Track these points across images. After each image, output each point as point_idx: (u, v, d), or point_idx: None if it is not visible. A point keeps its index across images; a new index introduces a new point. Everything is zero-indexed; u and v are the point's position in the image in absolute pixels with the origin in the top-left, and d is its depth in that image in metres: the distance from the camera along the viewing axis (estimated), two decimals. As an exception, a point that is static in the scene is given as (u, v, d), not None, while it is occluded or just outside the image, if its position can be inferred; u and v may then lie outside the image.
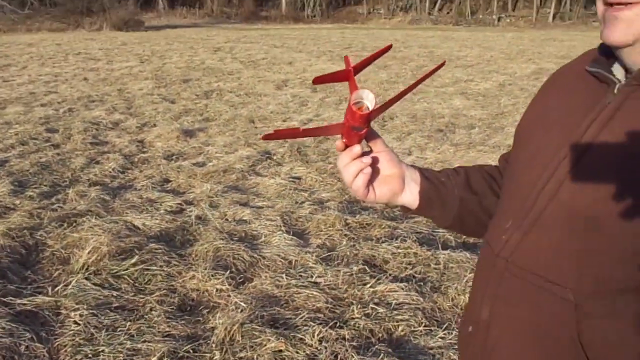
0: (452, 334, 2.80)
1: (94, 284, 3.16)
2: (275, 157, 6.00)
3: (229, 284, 3.17)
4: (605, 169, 0.78)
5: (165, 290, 3.15)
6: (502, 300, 0.90)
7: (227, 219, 4.14)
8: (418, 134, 7.23)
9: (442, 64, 0.96)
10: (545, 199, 0.84)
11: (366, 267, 3.38)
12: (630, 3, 0.76)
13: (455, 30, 44.04)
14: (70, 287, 3.12)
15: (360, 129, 0.90)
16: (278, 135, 0.94)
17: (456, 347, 2.69)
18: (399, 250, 3.62)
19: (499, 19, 60.47)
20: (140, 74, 12.41)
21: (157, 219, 4.05)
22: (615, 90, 0.82)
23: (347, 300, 3.08)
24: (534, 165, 0.89)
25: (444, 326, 2.86)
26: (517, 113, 8.53)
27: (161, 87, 10.71)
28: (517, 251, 0.87)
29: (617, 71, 0.84)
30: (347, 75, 0.90)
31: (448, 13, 62.21)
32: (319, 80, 0.85)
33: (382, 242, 3.74)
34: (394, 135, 7.16)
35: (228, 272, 3.29)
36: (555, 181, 0.83)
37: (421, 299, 3.08)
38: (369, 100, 0.87)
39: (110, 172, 5.37)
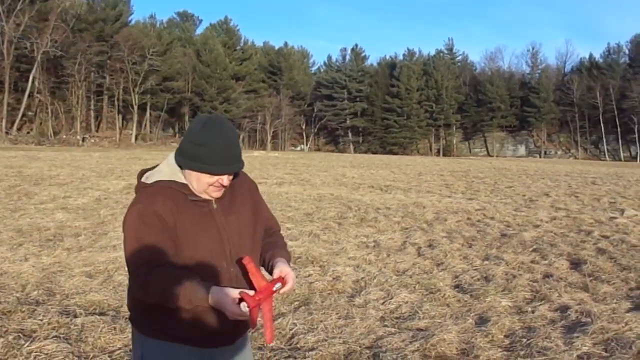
0: (97, 361, 4.05)
1: None
2: None
3: None
4: (235, 226, 2.27)
5: None
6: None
7: None
8: (30, 244, 8.01)
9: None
10: (232, 243, 2.24)
11: (20, 335, 4.34)
12: (223, 187, 2.26)
13: (40, 150, 43.47)
14: None
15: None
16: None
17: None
18: (44, 322, 4.66)
19: (83, 139, 62.15)
20: None
21: None
22: (214, 203, 2.28)
23: (9, 358, 4.00)
24: (215, 242, 2.22)
25: (90, 358, 4.10)
26: (116, 221, 10.03)
27: None
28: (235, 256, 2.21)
29: (205, 195, 2.29)
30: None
31: (29, 133, 60.74)
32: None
33: (28, 319, 4.71)
34: (5, 247, 7.76)
35: None
36: (228, 242, 2.24)
37: (69, 347, 4.24)
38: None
39: None
